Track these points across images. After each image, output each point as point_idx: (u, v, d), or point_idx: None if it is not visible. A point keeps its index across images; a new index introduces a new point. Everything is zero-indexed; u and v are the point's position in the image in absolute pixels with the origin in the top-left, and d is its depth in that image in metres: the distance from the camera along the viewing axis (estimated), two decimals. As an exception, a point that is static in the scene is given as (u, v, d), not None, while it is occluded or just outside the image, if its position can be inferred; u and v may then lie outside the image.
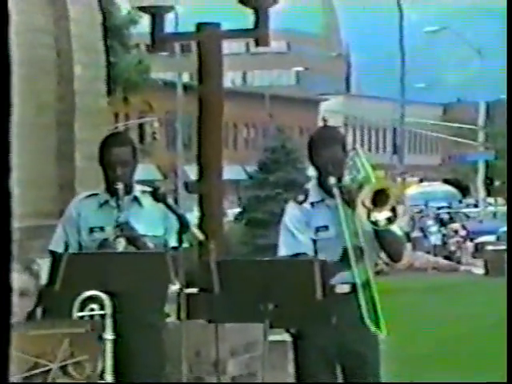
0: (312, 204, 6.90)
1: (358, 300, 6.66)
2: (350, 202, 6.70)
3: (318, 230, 6.83)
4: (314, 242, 6.82)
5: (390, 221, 6.62)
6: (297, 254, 6.79)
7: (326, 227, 6.81)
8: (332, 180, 6.77)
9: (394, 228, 6.80)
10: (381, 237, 6.77)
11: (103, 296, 5.83)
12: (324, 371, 6.80)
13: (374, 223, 6.62)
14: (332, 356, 6.78)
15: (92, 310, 5.85)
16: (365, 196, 6.59)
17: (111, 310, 5.78)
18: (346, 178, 6.83)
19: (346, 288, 6.71)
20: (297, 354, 6.89)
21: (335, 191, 6.76)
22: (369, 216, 6.61)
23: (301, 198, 7.00)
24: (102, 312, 5.82)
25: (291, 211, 7.04)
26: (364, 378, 6.85)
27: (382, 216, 6.61)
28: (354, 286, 6.72)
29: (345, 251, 6.72)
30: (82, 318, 5.75)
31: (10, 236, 4.14)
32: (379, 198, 6.61)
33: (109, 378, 5.39)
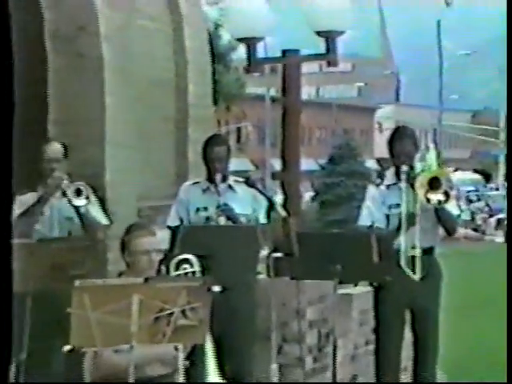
0: (387, 186, 6.90)
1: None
2: (414, 186, 6.70)
3: (390, 207, 6.81)
4: (388, 216, 6.82)
5: (440, 202, 6.65)
6: (371, 225, 6.79)
7: (397, 205, 6.78)
8: (404, 168, 6.78)
9: (450, 208, 6.80)
10: (439, 215, 6.76)
11: (193, 258, 5.88)
12: (396, 313, 6.80)
13: (429, 201, 6.62)
14: (403, 304, 6.77)
15: (184, 268, 5.89)
16: (422, 180, 6.62)
17: (199, 269, 5.82)
18: (418, 166, 6.83)
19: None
20: (376, 301, 6.89)
21: (404, 176, 6.78)
22: (426, 196, 6.65)
23: (378, 181, 7.04)
24: (194, 269, 5.86)
25: (370, 191, 7.04)
26: (426, 320, 6.84)
27: (435, 197, 6.63)
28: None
29: (400, 223, 6.76)
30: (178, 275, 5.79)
31: (9, 235, 3.52)
32: (434, 183, 6.63)
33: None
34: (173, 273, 5.79)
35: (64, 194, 6.54)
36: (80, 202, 6.52)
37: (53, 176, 6.61)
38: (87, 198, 6.54)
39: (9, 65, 3.66)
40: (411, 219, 6.72)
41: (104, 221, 6.74)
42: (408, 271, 6.62)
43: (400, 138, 6.94)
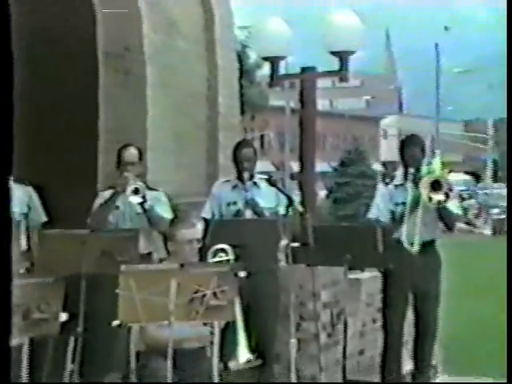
0: (396, 186, 6.88)
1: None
2: (418, 186, 6.70)
3: (396, 204, 6.79)
4: (393, 212, 6.79)
5: (440, 202, 6.63)
6: (378, 219, 6.78)
7: (403, 203, 6.76)
8: (411, 170, 6.78)
9: (451, 207, 6.79)
10: (440, 213, 6.75)
11: (228, 248, 5.89)
12: (401, 296, 6.80)
13: (431, 200, 6.61)
14: (407, 286, 6.77)
15: (221, 256, 5.90)
16: (425, 182, 6.62)
17: (234, 257, 5.83)
18: (424, 169, 6.81)
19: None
20: (385, 285, 6.89)
21: (411, 177, 6.77)
22: (428, 196, 6.64)
23: (388, 180, 7.04)
24: (228, 258, 5.87)
25: (380, 189, 7.05)
26: (428, 302, 6.83)
27: (436, 197, 6.61)
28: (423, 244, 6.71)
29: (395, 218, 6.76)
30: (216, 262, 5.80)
31: (9, 235, 3.45)
32: (436, 185, 6.62)
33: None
34: (210, 260, 5.79)
35: (136, 192, 6.62)
36: (136, 199, 6.58)
37: (123, 176, 6.67)
38: (143, 196, 6.59)
39: (9, 65, 3.37)
40: (414, 213, 6.72)
41: (167, 215, 6.76)
42: (407, 245, 6.62)
43: (410, 144, 6.93)
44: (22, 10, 7.87)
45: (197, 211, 6.98)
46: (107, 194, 6.77)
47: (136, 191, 6.58)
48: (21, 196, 6.89)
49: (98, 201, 6.78)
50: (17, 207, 6.83)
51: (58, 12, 7.76)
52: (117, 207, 6.72)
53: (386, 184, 7.01)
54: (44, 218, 6.91)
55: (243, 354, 5.41)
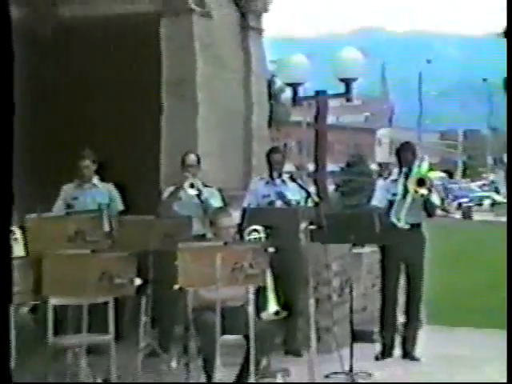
0: (392, 180, 6.82)
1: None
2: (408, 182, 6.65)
3: (393, 195, 6.72)
4: (390, 201, 6.71)
5: (423, 195, 6.59)
6: (376, 206, 6.72)
7: (395, 194, 6.68)
8: (404, 169, 6.73)
9: (433, 199, 6.72)
10: (424, 203, 6.68)
11: (260, 228, 5.83)
12: (394, 266, 6.74)
13: (416, 193, 6.57)
14: (399, 258, 6.71)
15: (254, 235, 5.85)
16: (413, 179, 6.59)
17: (265, 236, 5.77)
18: (415, 169, 6.74)
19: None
20: (383, 257, 6.83)
21: (403, 175, 6.70)
22: (415, 190, 6.58)
23: (386, 175, 7.01)
24: (260, 236, 5.81)
25: (379, 183, 7.02)
26: (415, 270, 6.76)
27: (421, 191, 6.59)
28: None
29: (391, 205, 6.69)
30: (249, 240, 5.74)
31: (7, 234, 3.07)
32: (420, 182, 6.59)
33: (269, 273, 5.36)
34: (246, 237, 5.75)
35: (192, 186, 6.61)
36: (192, 191, 6.61)
37: (184, 175, 6.69)
38: (198, 189, 6.60)
39: (9, 66, 2.84)
40: (403, 201, 6.66)
41: (217, 205, 6.72)
42: (395, 220, 6.58)
43: (404, 149, 6.87)
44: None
45: (235, 202, 6.94)
46: (172, 188, 6.78)
47: (192, 185, 6.62)
48: (104, 191, 6.93)
49: (165, 194, 6.81)
50: (101, 199, 6.88)
51: (133, 47, 7.78)
52: (179, 198, 6.73)
53: (385, 179, 6.99)
54: (121, 207, 6.94)
55: (272, 307, 5.37)
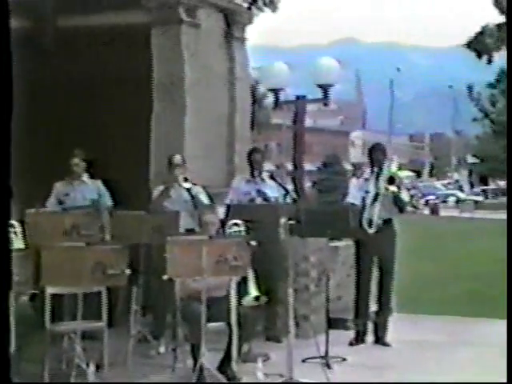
0: (365, 179, 6.82)
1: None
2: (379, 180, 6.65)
3: (366, 192, 6.72)
4: (363, 198, 6.71)
5: (394, 192, 6.60)
6: (353, 203, 6.71)
7: (368, 191, 6.69)
8: (375, 169, 6.74)
9: (402, 196, 6.75)
10: (395, 200, 6.70)
11: (240, 222, 5.81)
12: (368, 258, 6.74)
13: (387, 190, 6.59)
14: (372, 252, 6.71)
15: (234, 229, 5.82)
16: (384, 178, 6.60)
17: (244, 230, 5.74)
18: (385, 168, 6.75)
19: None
20: (358, 250, 6.84)
21: (375, 174, 6.71)
22: (386, 188, 6.59)
23: (359, 174, 7.01)
24: (240, 229, 5.78)
25: (353, 181, 7.04)
26: (387, 263, 6.77)
27: (391, 188, 6.61)
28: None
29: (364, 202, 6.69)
30: (230, 233, 5.72)
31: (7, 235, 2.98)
32: (391, 180, 6.61)
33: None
34: (228, 230, 5.72)
35: (186, 180, 6.61)
36: (187, 185, 6.63)
37: (173, 174, 6.68)
38: (191, 183, 6.58)
39: (8, 67, 2.76)
40: (375, 200, 6.66)
41: (206, 201, 6.70)
42: (366, 227, 6.58)
43: (375, 150, 6.87)
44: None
45: (220, 199, 6.92)
46: (161, 187, 6.75)
47: (186, 179, 6.63)
48: (93, 187, 6.93)
49: (155, 193, 6.79)
50: (90, 195, 6.89)
51: (126, 55, 7.74)
52: (169, 196, 6.70)
53: (358, 178, 6.99)
54: (110, 203, 6.93)
55: (253, 292, 5.37)
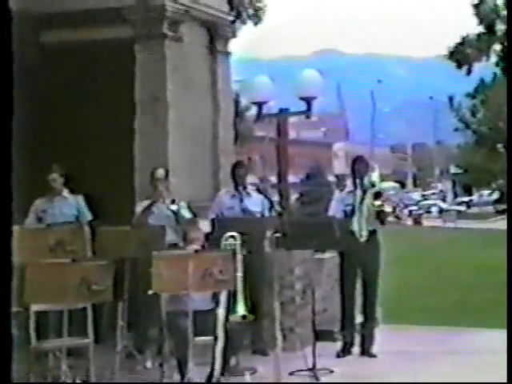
0: (348, 192, 6.84)
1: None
2: (364, 193, 6.68)
3: (347, 205, 6.75)
4: (345, 211, 6.74)
5: (379, 206, 6.64)
6: (333, 216, 6.74)
7: (351, 204, 6.72)
8: (358, 181, 6.75)
9: (386, 209, 6.79)
10: (378, 212, 6.71)
11: (236, 235, 5.78)
12: (352, 270, 6.75)
13: (373, 205, 6.64)
14: (356, 264, 6.73)
15: (230, 241, 5.79)
16: (370, 193, 6.65)
17: (240, 242, 5.73)
18: (366, 181, 6.77)
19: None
20: (342, 262, 6.85)
21: (358, 186, 6.73)
22: (372, 202, 6.64)
23: (341, 188, 7.04)
24: (235, 242, 5.77)
25: (336, 194, 7.06)
26: (371, 274, 6.78)
27: (377, 203, 6.66)
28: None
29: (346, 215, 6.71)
30: (225, 245, 5.68)
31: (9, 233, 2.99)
32: (377, 195, 6.67)
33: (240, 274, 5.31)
34: (223, 243, 5.60)
35: (173, 202, 6.63)
36: (173, 207, 6.59)
37: (157, 190, 6.65)
38: (178, 204, 6.60)
39: (8, 68, 2.74)
40: (360, 212, 6.68)
41: (188, 216, 6.69)
42: (357, 235, 6.62)
43: (357, 162, 6.89)
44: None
45: (204, 213, 6.90)
46: (145, 203, 6.73)
47: (173, 201, 6.63)
48: (73, 202, 6.91)
49: (139, 208, 6.76)
50: (68, 210, 6.85)
51: (109, 69, 7.72)
52: (152, 212, 6.68)
53: (341, 191, 7.02)
54: (89, 217, 6.89)
55: (240, 311, 5.34)
